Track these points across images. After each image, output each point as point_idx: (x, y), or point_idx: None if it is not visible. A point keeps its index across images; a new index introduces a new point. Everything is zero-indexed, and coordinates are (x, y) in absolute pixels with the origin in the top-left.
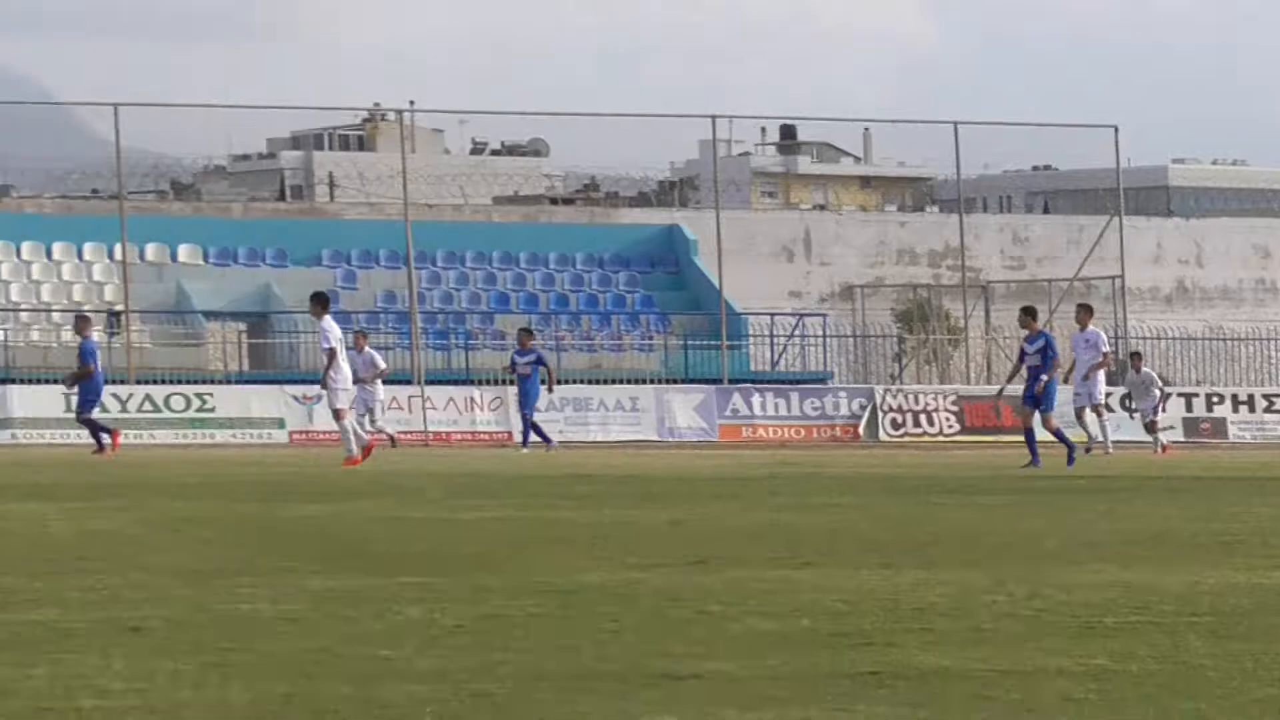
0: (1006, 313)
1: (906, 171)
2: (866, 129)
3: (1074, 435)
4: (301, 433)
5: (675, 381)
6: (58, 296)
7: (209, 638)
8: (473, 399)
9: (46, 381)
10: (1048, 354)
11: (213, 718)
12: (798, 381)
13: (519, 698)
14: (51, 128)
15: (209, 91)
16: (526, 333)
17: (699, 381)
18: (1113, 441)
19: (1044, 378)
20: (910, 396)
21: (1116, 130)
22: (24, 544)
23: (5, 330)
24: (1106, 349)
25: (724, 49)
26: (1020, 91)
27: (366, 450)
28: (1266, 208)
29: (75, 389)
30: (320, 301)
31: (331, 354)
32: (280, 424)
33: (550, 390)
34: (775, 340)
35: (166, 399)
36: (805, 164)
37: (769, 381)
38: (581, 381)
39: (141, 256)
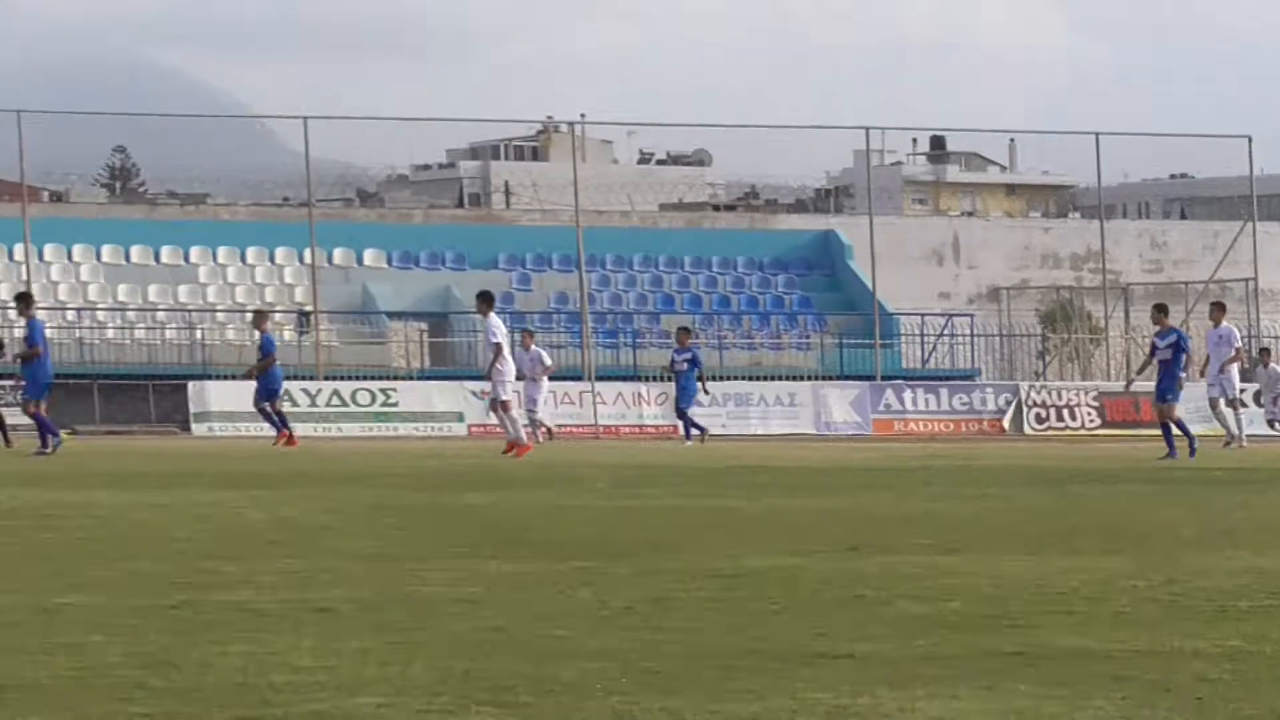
0: (1145, 313)
1: (1050, 179)
2: (1012, 139)
3: (1209, 429)
4: (480, 426)
5: (831, 378)
6: (251, 298)
7: (393, 618)
8: (640, 394)
9: (240, 378)
10: (1179, 349)
11: (396, 694)
12: (947, 378)
13: (684, 675)
14: (246, 140)
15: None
16: (685, 331)
17: (853, 378)
18: (1246, 435)
19: (1182, 374)
20: (1053, 392)
21: (1250, 140)
22: (221, 530)
23: (202, 329)
24: (1239, 344)
25: (878, 64)
26: (1159, 103)
27: (513, 446)
28: None
29: (256, 380)
30: (486, 300)
31: (498, 349)
32: (459, 418)
33: (704, 388)
34: (925, 339)
35: (353, 394)
36: (954, 173)
37: (919, 378)
38: (742, 378)
39: (329, 260)
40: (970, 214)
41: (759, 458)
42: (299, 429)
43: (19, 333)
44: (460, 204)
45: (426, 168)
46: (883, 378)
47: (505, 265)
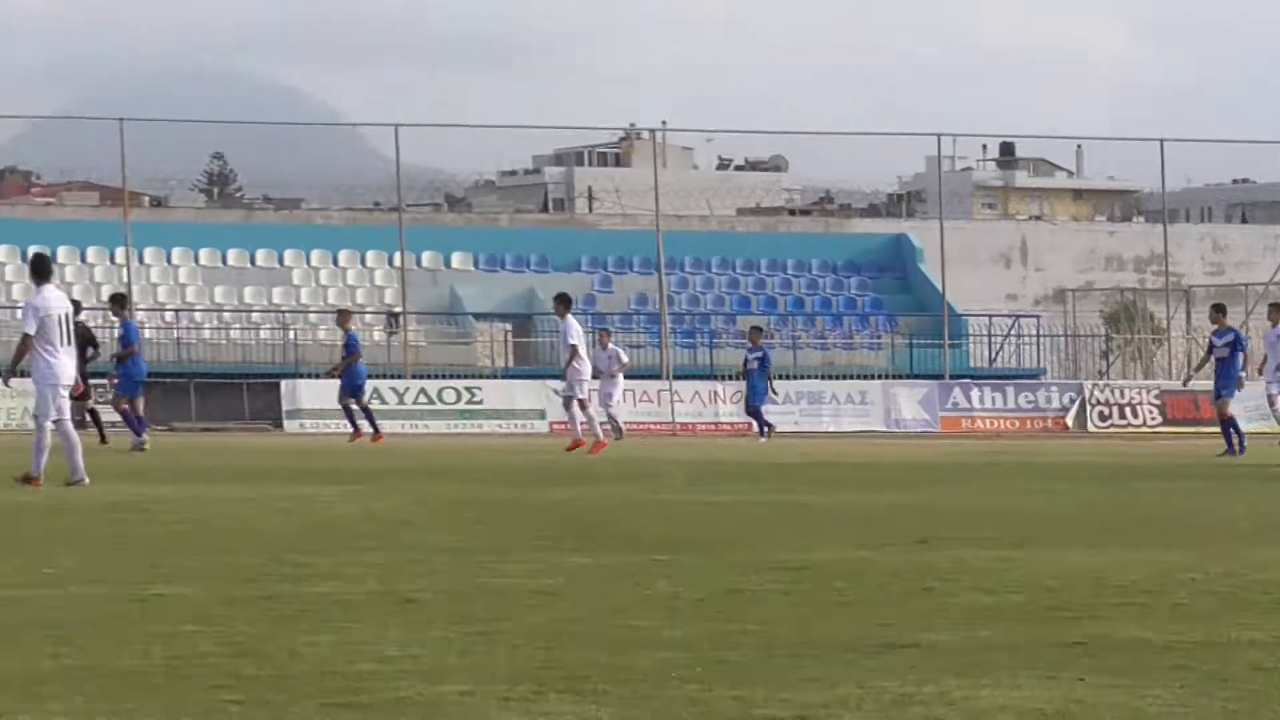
0: (1206, 314)
1: (1115, 185)
2: (1079, 146)
3: (1267, 426)
4: (561, 423)
5: (901, 377)
6: (342, 300)
7: (475, 609)
8: (716, 393)
9: (332, 376)
10: (1236, 348)
11: (478, 682)
12: (1013, 377)
13: (755, 664)
14: (339, 147)
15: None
16: (757, 331)
17: (922, 377)
18: None
19: (1241, 373)
20: (1116, 391)
21: None
22: (311, 524)
23: (295, 330)
24: None
25: (949, 72)
26: (1221, 109)
27: (579, 444)
28: None
29: (340, 378)
30: (563, 302)
31: (573, 350)
32: (541, 415)
33: (771, 388)
34: (992, 339)
35: (439, 392)
36: (1022, 178)
37: (986, 377)
38: (815, 377)
39: (418, 263)
40: (1038, 218)
41: (830, 454)
42: (387, 426)
43: (115, 333)
44: (545, 209)
45: (512, 173)
46: (951, 377)
47: (587, 268)
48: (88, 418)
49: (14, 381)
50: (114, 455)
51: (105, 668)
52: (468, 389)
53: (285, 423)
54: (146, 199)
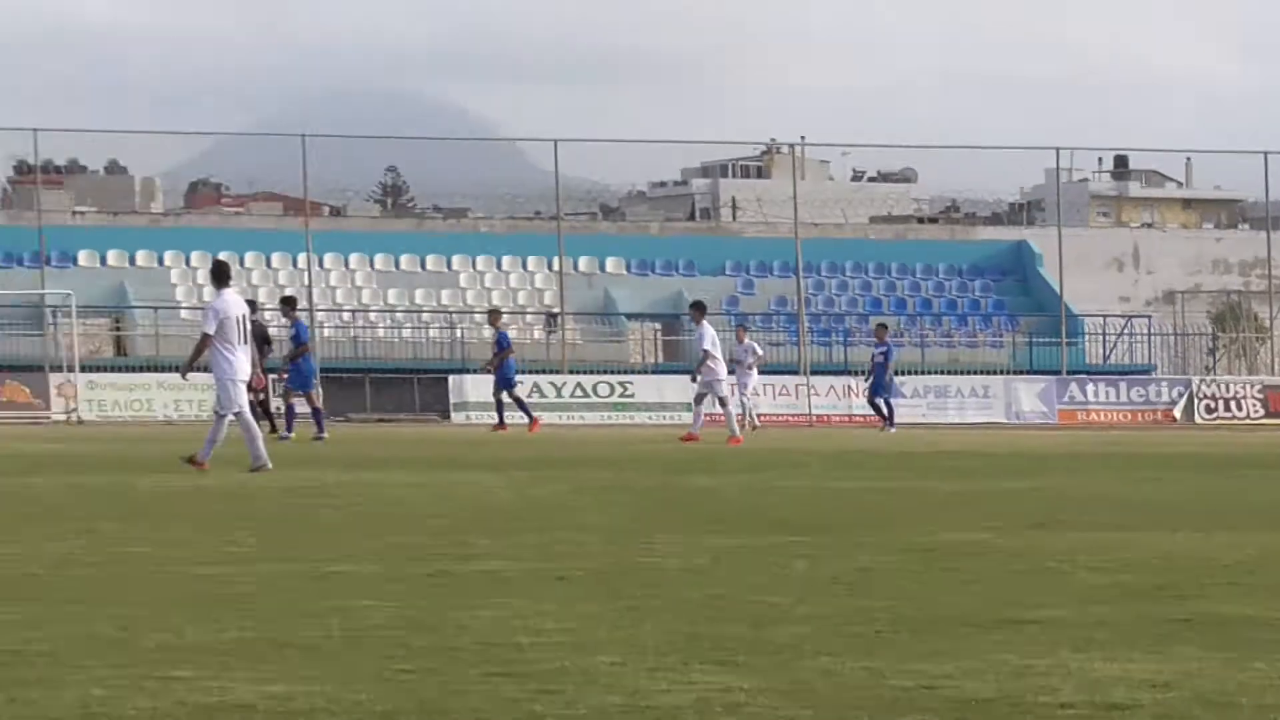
0: None
1: (1222, 194)
2: (1188, 158)
3: None
4: (708, 415)
5: (1021, 373)
6: (505, 301)
7: (625, 586)
8: (849, 386)
9: (486, 372)
10: None
11: (628, 654)
12: (1125, 373)
13: (884, 639)
14: (502, 160)
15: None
16: (882, 327)
17: (1041, 373)
18: None
19: None
20: (1222, 386)
21: None
22: (477, 508)
23: (462, 329)
24: None
25: (1068, 89)
26: None
27: (692, 436)
28: None
29: (494, 372)
30: (699, 309)
31: (706, 354)
32: (689, 408)
33: (889, 380)
34: (1106, 338)
35: (594, 386)
36: (1135, 188)
37: (1101, 373)
38: (942, 373)
39: (575, 267)
40: (1149, 225)
41: (955, 444)
42: (546, 418)
43: (288, 332)
44: (692, 217)
45: (662, 185)
46: (1068, 372)
47: (731, 272)
48: (259, 410)
49: (190, 375)
50: (293, 445)
51: (287, 639)
52: (620, 383)
53: (452, 414)
54: (326, 209)
